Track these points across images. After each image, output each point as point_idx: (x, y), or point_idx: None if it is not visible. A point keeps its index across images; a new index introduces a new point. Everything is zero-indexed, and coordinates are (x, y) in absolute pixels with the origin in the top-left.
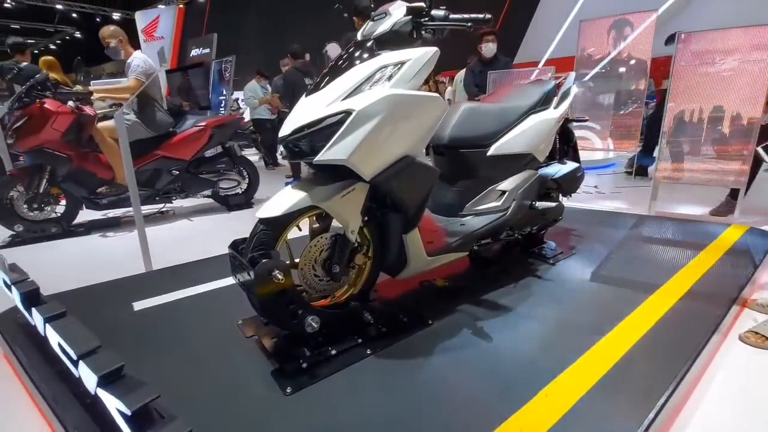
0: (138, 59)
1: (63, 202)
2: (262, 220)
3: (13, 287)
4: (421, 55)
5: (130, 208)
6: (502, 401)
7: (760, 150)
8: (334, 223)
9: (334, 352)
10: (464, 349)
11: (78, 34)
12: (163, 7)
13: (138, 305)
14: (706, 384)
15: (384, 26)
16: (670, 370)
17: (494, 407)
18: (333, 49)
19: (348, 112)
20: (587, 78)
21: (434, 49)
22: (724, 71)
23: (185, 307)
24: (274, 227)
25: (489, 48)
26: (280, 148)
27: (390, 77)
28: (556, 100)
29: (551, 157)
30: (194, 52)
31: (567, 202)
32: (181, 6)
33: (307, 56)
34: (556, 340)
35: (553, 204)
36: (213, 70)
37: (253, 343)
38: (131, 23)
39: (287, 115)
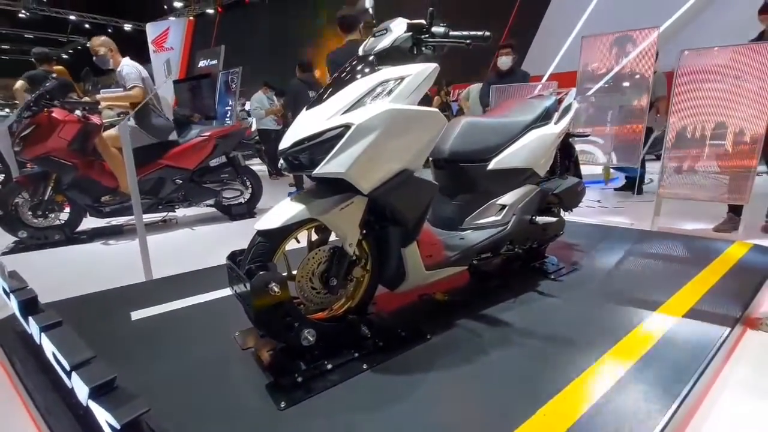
0: (128, 66)
1: (67, 209)
2: (260, 232)
3: (11, 295)
4: (420, 71)
5: (133, 217)
6: (500, 420)
7: None
8: (333, 235)
9: (330, 366)
10: (462, 365)
11: (89, 44)
12: (174, 19)
13: (136, 315)
14: (710, 404)
15: (385, 42)
16: (672, 391)
17: (492, 426)
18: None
19: (347, 126)
20: (589, 93)
21: (434, 65)
22: (724, 88)
23: (183, 317)
24: (271, 239)
25: (503, 61)
26: (281, 161)
27: (390, 92)
28: (557, 115)
29: (552, 172)
30: (202, 63)
31: (569, 216)
32: (191, 18)
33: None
34: (556, 358)
35: (554, 219)
36: (219, 81)
37: (249, 355)
38: (142, 34)
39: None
